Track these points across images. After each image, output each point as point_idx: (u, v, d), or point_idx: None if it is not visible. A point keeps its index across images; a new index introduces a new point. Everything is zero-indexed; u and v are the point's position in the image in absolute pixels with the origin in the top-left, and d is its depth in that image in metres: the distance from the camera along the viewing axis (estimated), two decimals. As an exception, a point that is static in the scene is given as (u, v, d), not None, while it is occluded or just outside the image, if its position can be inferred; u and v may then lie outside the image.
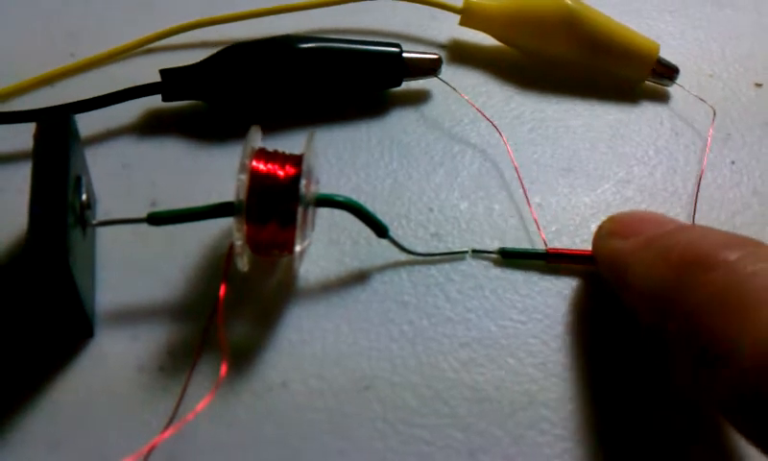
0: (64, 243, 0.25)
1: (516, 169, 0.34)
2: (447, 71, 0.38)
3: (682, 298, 0.25)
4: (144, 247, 0.31)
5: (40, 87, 0.36)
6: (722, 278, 0.24)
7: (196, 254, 0.31)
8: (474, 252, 0.32)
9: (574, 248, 0.32)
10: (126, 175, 0.34)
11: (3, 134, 0.34)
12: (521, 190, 0.34)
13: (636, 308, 0.28)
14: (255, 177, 0.29)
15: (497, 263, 0.32)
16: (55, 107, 0.34)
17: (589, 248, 0.31)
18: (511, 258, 0.32)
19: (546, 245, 0.32)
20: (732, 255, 0.24)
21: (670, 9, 0.43)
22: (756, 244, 0.25)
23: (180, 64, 0.35)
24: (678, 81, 0.38)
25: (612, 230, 0.30)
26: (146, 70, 0.36)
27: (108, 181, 0.33)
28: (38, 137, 0.28)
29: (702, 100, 0.38)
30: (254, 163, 0.29)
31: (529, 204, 0.34)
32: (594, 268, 0.31)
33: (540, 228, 0.33)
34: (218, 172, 0.34)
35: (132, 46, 0.38)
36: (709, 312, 0.24)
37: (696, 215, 0.34)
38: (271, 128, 0.34)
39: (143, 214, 0.29)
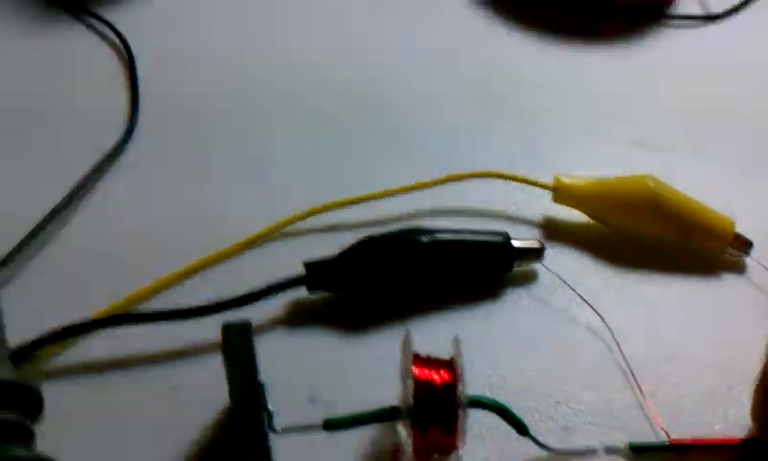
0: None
1: (628, 367, 0.37)
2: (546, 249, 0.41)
3: None
4: (308, 443, 0.33)
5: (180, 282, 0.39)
6: None
7: (356, 448, 0.34)
8: (608, 449, 0.35)
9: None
10: (282, 369, 0.35)
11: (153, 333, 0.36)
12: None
13: None
14: (417, 383, 0.31)
15: (629, 458, 0.35)
16: (207, 306, 0.36)
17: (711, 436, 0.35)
18: (641, 453, 0.35)
19: (669, 436, 0.35)
20: None
21: (746, 183, 0.46)
22: None
23: (310, 252, 0.39)
24: (755, 255, 0.42)
25: None
26: (279, 257, 0.40)
27: (268, 376, 0.35)
28: (227, 346, 0.32)
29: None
30: (414, 369, 0.31)
31: (643, 395, 0.36)
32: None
33: (659, 420, 0.36)
34: (364, 363, 0.37)
35: (263, 234, 0.41)
36: None
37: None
38: (395, 316, 0.38)
39: (312, 415, 0.32)
